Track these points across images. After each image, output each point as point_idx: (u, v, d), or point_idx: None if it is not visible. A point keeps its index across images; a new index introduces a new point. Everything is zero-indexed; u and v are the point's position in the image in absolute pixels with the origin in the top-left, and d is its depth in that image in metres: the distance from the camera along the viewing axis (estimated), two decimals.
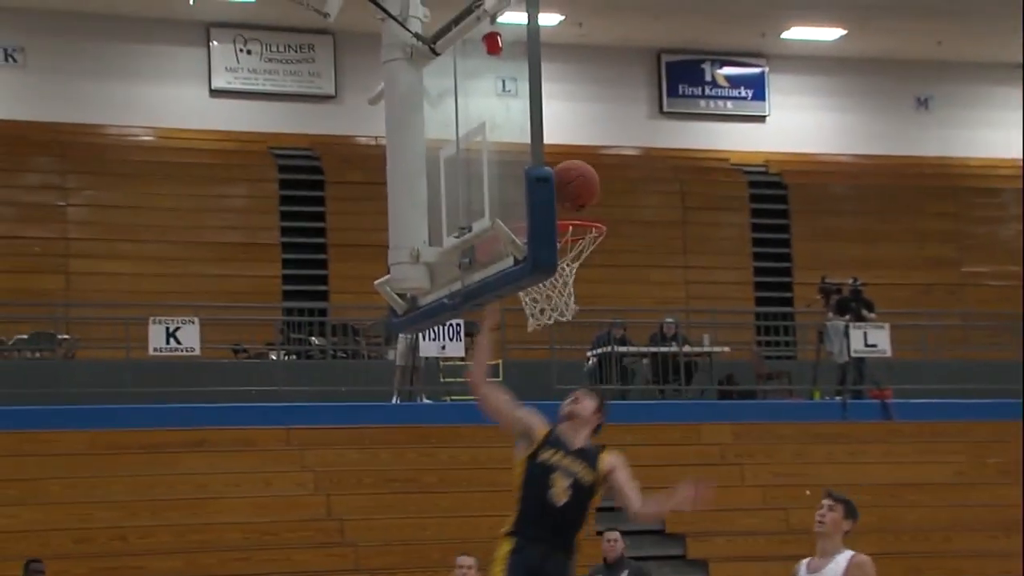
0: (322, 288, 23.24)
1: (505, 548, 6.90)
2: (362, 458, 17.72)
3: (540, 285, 7.64)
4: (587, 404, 7.30)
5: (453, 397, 20.32)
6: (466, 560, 9.74)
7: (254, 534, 16.30)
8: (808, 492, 18.39)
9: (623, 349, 20.78)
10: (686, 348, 21.00)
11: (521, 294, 7.81)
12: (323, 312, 22.03)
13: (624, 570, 11.66)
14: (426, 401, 19.59)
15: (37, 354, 20.12)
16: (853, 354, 20.59)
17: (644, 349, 21.06)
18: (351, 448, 17.88)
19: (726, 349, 21.67)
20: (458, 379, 20.69)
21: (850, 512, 7.37)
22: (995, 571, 16.81)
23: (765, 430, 19.64)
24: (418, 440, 18.17)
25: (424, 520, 16.91)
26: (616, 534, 12.29)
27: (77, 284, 21.91)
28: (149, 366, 19.18)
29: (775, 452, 19.27)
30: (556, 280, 7.88)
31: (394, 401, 19.38)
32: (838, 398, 20.67)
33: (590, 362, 20.86)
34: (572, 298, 7.96)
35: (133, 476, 16.83)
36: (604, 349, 20.63)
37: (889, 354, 20.75)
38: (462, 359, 20.28)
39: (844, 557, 7.17)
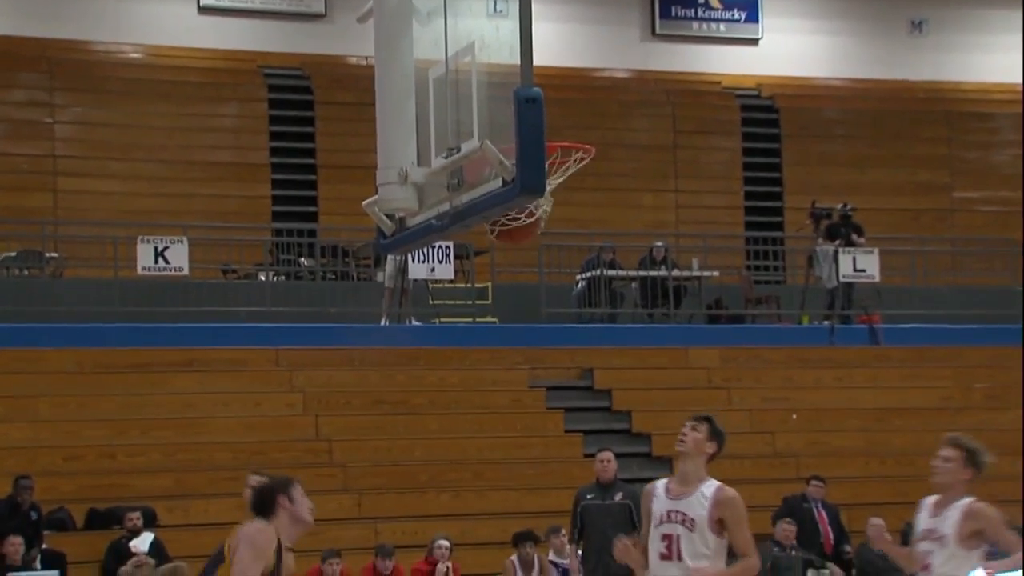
0: (311, 209, 23.16)
1: None
2: (351, 379, 17.77)
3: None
4: None
5: (442, 319, 20.35)
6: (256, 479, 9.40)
7: (243, 454, 16.35)
8: (795, 416, 18.54)
9: (612, 273, 20.78)
10: (675, 272, 21.00)
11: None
12: (312, 233, 21.98)
13: (617, 492, 11.71)
14: (415, 323, 19.60)
15: (25, 272, 20.05)
16: (842, 279, 20.62)
17: (633, 273, 21.06)
18: (340, 369, 17.92)
19: (715, 273, 21.68)
20: (448, 301, 20.73)
21: (715, 435, 6.97)
22: (980, 494, 16.89)
23: (753, 354, 19.70)
24: (407, 362, 18.21)
25: (413, 442, 16.99)
26: (609, 454, 12.34)
27: (65, 202, 21.80)
28: (138, 286, 19.15)
29: (763, 376, 19.34)
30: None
31: (383, 323, 19.38)
32: (826, 323, 20.72)
33: (579, 286, 20.86)
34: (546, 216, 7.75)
35: (122, 395, 16.86)
36: (593, 273, 20.63)
37: (878, 279, 20.77)
38: (451, 282, 20.31)
39: (709, 488, 6.66)
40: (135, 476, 15.78)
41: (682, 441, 6.53)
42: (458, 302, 20.70)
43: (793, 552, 14.93)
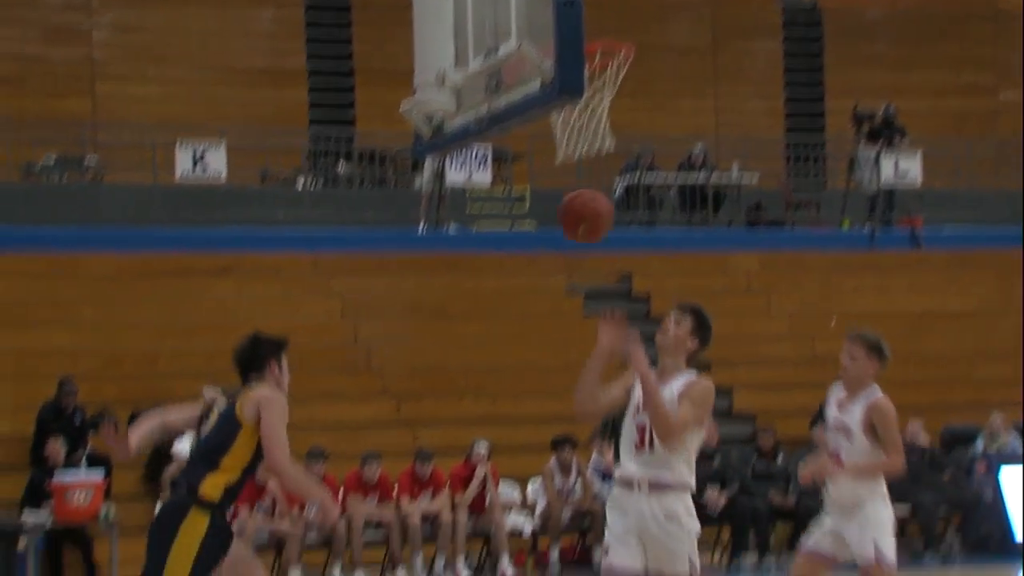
0: (349, 114, 23.07)
1: None
2: (389, 285, 17.79)
3: (574, 115, 7.48)
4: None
5: (480, 225, 20.31)
6: (211, 393, 9.40)
7: None
8: (834, 321, 18.44)
9: (651, 178, 20.65)
10: (714, 177, 20.84)
11: (553, 122, 7.67)
12: (350, 138, 21.90)
13: None
14: (453, 229, 19.57)
15: (64, 177, 20.10)
16: (884, 183, 20.42)
17: (672, 177, 20.91)
18: (378, 275, 17.95)
19: (755, 178, 21.51)
20: (485, 206, 20.67)
21: (699, 329, 6.51)
22: (1019, 398, 16.89)
23: (793, 259, 19.60)
24: (445, 268, 18.21)
25: (451, 348, 17.03)
26: None
27: (103, 107, 21.79)
28: (177, 192, 19.18)
29: (802, 281, 19.26)
30: (586, 110, 7.71)
31: (421, 229, 19.37)
32: (867, 227, 20.56)
33: (617, 191, 20.75)
34: (606, 128, 7.75)
35: (162, 300, 16.96)
36: (632, 177, 20.50)
37: (920, 182, 20.57)
38: (489, 187, 20.23)
39: (680, 381, 6.31)
40: (176, 380, 15.89)
41: (663, 334, 6.25)
42: (495, 208, 20.64)
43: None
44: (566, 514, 13.88)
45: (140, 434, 6.49)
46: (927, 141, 21.28)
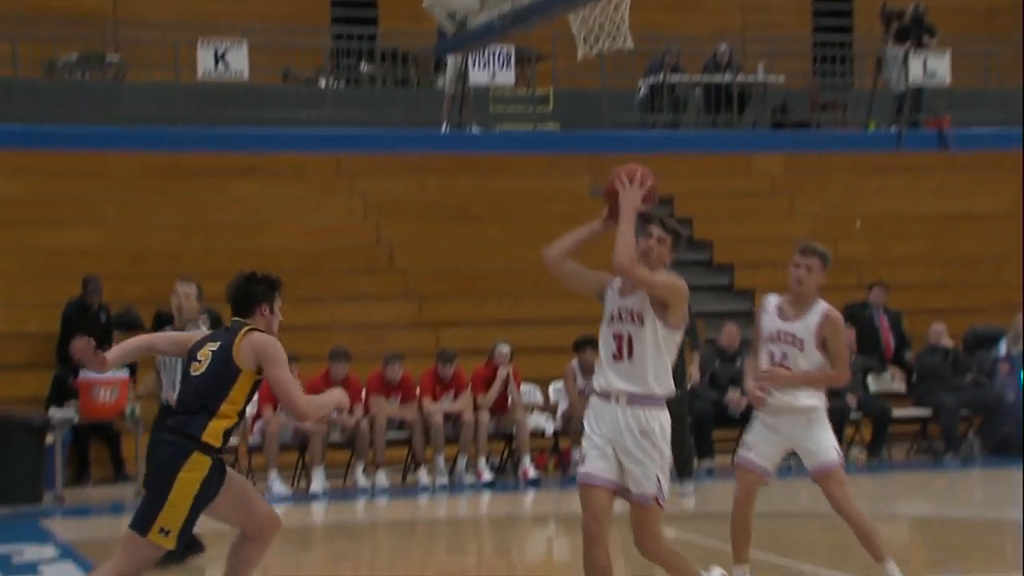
0: (371, 13, 22.85)
1: None
2: (412, 186, 17.76)
3: (595, 12, 7.38)
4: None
5: (503, 126, 20.19)
6: (184, 287, 9.34)
7: (305, 260, 16.49)
8: (859, 223, 18.37)
9: (675, 77, 20.45)
10: (740, 77, 20.63)
11: (571, 19, 7.58)
12: (372, 38, 21.73)
13: None
14: (476, 130, 19.47)
15: (87, 75, 20.02)
16: (911, 82, 20.21)
17: (697, 78, 20.71)
18: (401, 176, 17.91)
19: (781, 78, 21.28)
20: (508, 107, 20.54)
21: (672, 239, 6.27)
22: None
23: (817, 161, 19.47)
24: (468, 169, 18.14)
25: (473, 249, 17.02)
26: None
27: (125, 5, 21.61)
28: (200, 90, 19.09)
29: (827, 183, 19.14)
30: (608, 5, 7.61)
31: (443, 129, 19.28)
32: (894, 128, 20.38)
33: (642, 91, 20.57)
34: (626, 25, 7.65)
35: (186, 199, 16.99)
36: (656, 77, 20.31)
37: (949, 82, 20.34)
38: (512, 87, 20.09)
39: (660, 276, 6.13)
40: (200, 280, 15.89)
41: (645, 255, 6.13)
42: (519, 108, 20.51)
43: (853, 357, 14.96)
44: None
45: (122, 353, 6.54)
46: (956, 40, 20.99)
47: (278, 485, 12.81)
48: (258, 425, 13.12)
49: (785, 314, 7.30)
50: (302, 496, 12.75)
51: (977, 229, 18.57)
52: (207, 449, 6.00)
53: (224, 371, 6.10)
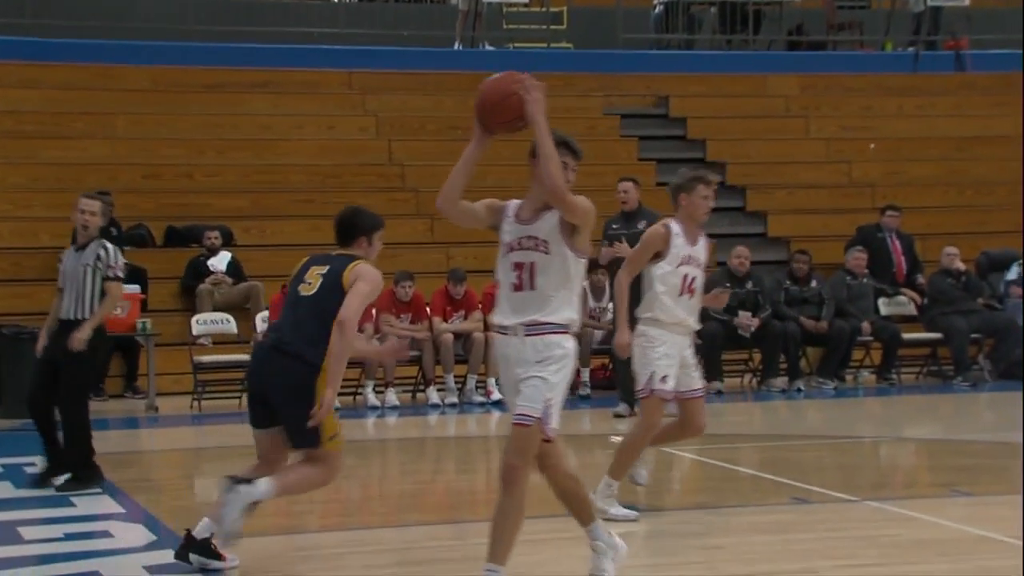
0: None
1: None
2: (424, 104, 17.67)
3: None
4: None
5: (516, 44, 20.05)
6: (88, 204, 9.33)
7: (317, 176, 16.47)
8: (873, 146, 18.27)
9: None
10: None
11: None
12: None
13: (641, 220, 11.62)
14: (489, 48, 19.33)
15: None
16: (929, 2, 19.98)
17: None
18: (413, 93, 17.81)
19: None
20: (522, 25, 20.37)
21: (575, 160, 6.15)
22: None
23: (833, 82, 19.33)
24: None
25: (486, 168, 16.73)
26: (628, 184, 12.16)
27: None
28: (213, 4, 18.98)
29: (842, 104, 19.01)
30: None
31: (456, 47, 19.14)
32: (911, 49, 20.19)
33: (656, 10, 20.39)
34: None
35: (198, 114, 16.94)
36: None
37: (967, 2, 20.13)
38: (526, 5, 19.91)
39: (581, 202, 5.92)
40: (212, 196, 15.96)
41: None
42: (533, 26, 20.34)
43: (865, 280, 14.95)
44: (597, 336, 13.98)
45: None
46: None
47: None
48: None
49: (689, 240, 7.52)
50: None
51: (992, 152, 18.47)
52: (321, 370, 6.34)
53: (335, 296, 6.41)
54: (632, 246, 10.94)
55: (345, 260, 6.58)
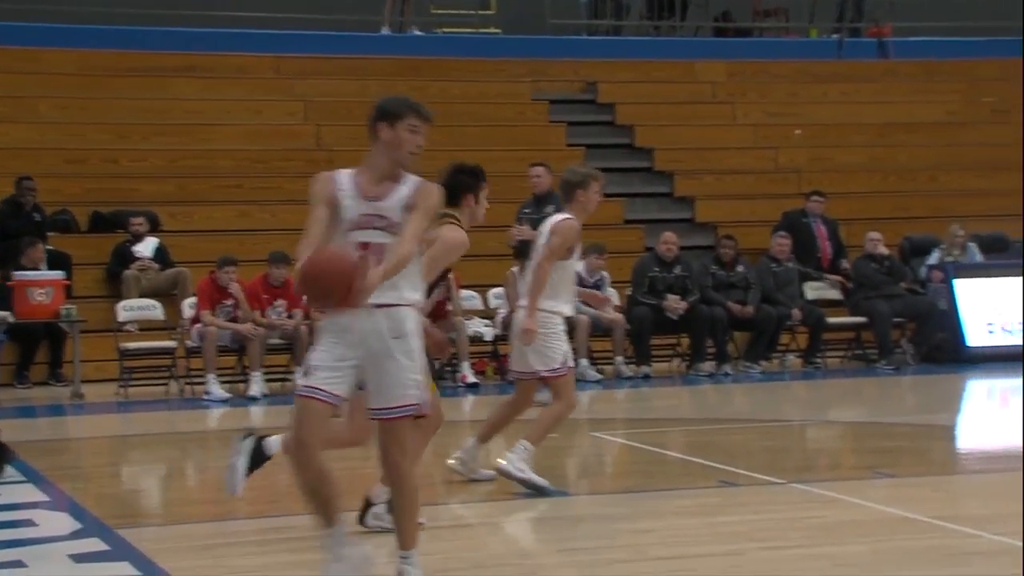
0: None
1: None
2: (352, 89, 17.60)
3: None
4: None
5: (445, 29, 20.02)
6: None
7: (245, 162, 16.36)
8: (799, 132, 18.45)
9: None
10: None
11: None
12: None
13: (550, 205, 11.68)
14: (417, 32, 19.29)
15: None
16: None
17: None
18: (341, 78, 17.74)
19: None
20: (451, 10, 20.35)
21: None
22: (979, 209, 17.04)
23: (759, 68, 19.48)
24: (409, 72, 18.00)
25: (423, 155, 16.91)
26: (540, 169, 12.19)
27: None
28: None
29: (768, 91, 19.17)
30: None
31: (384, 31, 19.08)
32: (835, 36, 20.39)
33: None
34: None
35: (124, 99, 16.76)
36: None
37: None
38: None
39: (410, 182, 5.59)
40: (138, 181, 15.82)
41: (396, 147, 5.57)
42: (461, 11, 20.32)
43: (790, 265, 15.09)
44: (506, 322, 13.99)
45: None
46: None
47: (216, 388, 12.80)
48: (196, 328, 13.08)
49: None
50: (241, 400, 12.77)
51: (915, 139, 18.71)
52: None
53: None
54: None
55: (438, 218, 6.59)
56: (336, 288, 5.11)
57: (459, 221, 6.84)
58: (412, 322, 5.39)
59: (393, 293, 5.31)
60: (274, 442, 6.52)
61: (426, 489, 7.15)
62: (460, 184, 6.87)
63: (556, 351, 7.79)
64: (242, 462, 6.43)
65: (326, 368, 5.35)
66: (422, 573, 5.49)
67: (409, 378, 5.33)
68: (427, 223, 5.50)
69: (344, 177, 5.51)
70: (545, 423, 7.89)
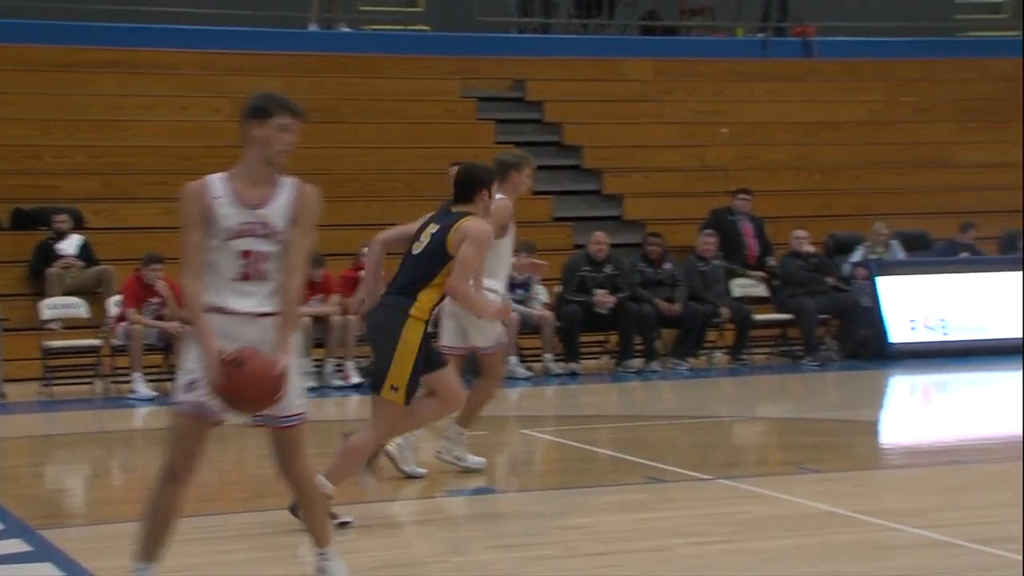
0: None
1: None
2: (279, 86, 17.39)
3: None
4: None
5: (373, 26, 19.95)
6: None
7: (170, 158, 16.20)
8: (725, 130, 18.58)
9: None
10: None
11: None
12: None
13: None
14: (345, 29, 19.21)
15: None
16: None
17: None
18: (268, 75, 17.56)
19: None
20: (379, 7, 20.28)
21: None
22: (902, 207, 17.27)
23: (687, 67, 19.59)
24: (337, 69, 17.92)
25: (343, 151, 16.88)
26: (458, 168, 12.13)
27: None
28: None
29: (695, 89, 19.28)
30: None
31: (311, 28, 18.99)
32: (761, 35, 20.56)
33: None
34: None
35: (46, 94, 16.55)
36: None
37: None
38: None
39: (289, 185, 5.44)
40: (61, 177, 15.62)
41: (266, 144, 5.37)
42: (389, 8, 20.25)
43: (716, 263, 15.20)
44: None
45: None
46: None
47: (142, 387, 12.68)
48: (122, 326, 12.95)
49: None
50: (167, 399, 12.64)
51: (840, 137, 18.91)
52: (417, 319, 6.78)
53: (439, 254, 6.86)
54: None
55: (454, 218, 6.94)
56: (262, 403, 5.05)
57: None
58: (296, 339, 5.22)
59: (276, 302, 5.14)
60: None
61: (355, 488, 7.15)
62: (474, 181, 7.10)
63: (492, 328, 7.98)
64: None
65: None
66: (344, 566, 5.44)
67: (297, 386, 5.17)
68: (312, 239, 5.31)
69: (217, 183, 5.29)
70: (476, 403, 8.13)
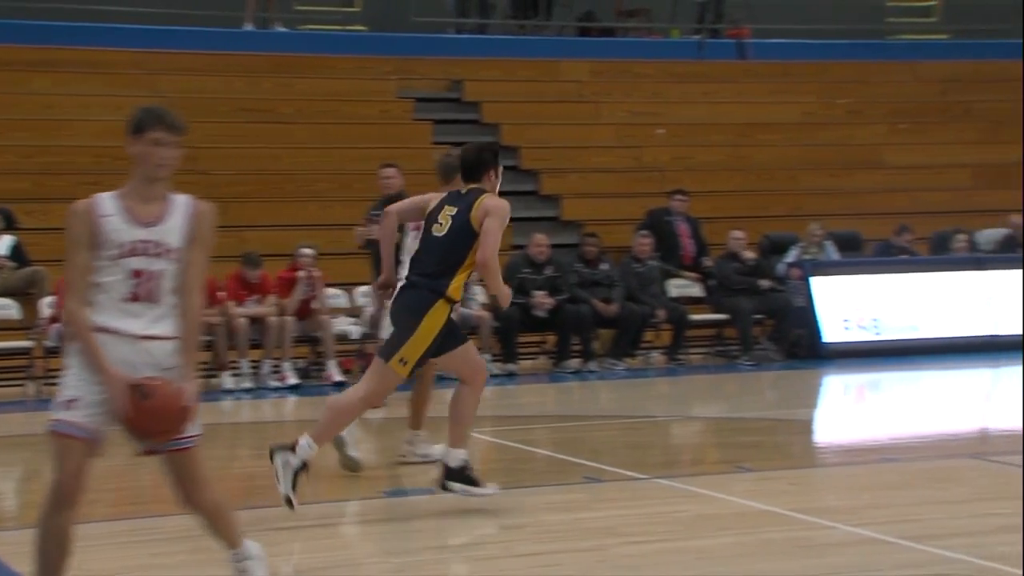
0: None
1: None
2: (215, 85, 17.39)
3: None
4: None
5: (309, 26, 19.88)
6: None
7: (105, 158, 16.03)
8: (662, 131, 18.69)
9: None
10: None
11: None
12: None
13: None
14: (281, 29, 19.13)
15: None
16: None
17: None
18: (204, 74, 17.51)
19: None
20: (314, 7, 20.21)
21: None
22: (834, 207, 17.44)
23: (623, 68, 19.67)
24: (273, 69, 17.85)
25: (279, 151, 16.81)
26: (391, 170, 12.12)
27: None
28: None
29: (632, 90, 19.37)
30: None
31: (247, 27, 18.88)
32: (696, 37, 20.69)
33: None
34: None
35: None
36: None
37: None
38: None
39: (183, 201, 5.33)
40: None
41: (148, 160, 5.25)
42: (325, 8, 20.19)
43: (652, 263, 15.27)
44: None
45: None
46: None
47: None
48: (55, 328, 12.82)
49: None
50: None
51: (774, 138, 19.07)
52: (449, 300, 7.09)
53: (465, 234, 7.12)
54: None
55: (471, 197, 7.20)
56: (168, 434, 4.95)
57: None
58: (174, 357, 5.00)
59: (164, 324, 4.96)
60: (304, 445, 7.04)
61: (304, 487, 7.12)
62: (483, 161, 7.34)
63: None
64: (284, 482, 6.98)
65: (89, 401, 4.85)
66: (262, 556, 5.28)
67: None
68: (208, 258, 5.18)
69: (107, 202, 5.08)
70: (420, 404, 8.61)
